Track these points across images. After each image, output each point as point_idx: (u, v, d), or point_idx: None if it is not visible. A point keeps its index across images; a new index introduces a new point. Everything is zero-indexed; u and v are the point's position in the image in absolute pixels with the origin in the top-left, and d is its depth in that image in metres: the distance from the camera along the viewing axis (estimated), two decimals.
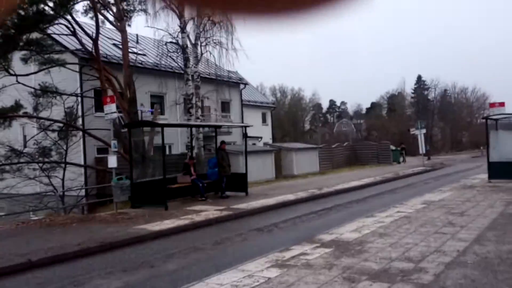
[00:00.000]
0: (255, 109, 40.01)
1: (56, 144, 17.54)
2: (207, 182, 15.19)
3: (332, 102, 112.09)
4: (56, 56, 16.12)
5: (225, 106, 30.57)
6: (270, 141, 41.33)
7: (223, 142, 15.82)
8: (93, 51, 16.46)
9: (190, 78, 17.58)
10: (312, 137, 75.11)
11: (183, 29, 17.47)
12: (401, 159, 36.17)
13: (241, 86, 32.09)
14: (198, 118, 19.04)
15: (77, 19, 17.33)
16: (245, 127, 17.23)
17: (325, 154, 29.62)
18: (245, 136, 16.42)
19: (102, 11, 17.41)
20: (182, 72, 17.59)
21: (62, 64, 15.88)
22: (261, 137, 38.67)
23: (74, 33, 16.67)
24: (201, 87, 20.70)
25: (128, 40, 17.33)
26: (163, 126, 13.08)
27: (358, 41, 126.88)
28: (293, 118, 78.59)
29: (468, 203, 12.40)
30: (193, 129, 17.57)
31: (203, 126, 19.32)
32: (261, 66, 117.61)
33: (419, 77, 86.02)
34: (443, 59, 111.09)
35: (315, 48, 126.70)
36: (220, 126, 19.16)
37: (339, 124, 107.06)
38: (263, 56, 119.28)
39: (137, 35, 26.36)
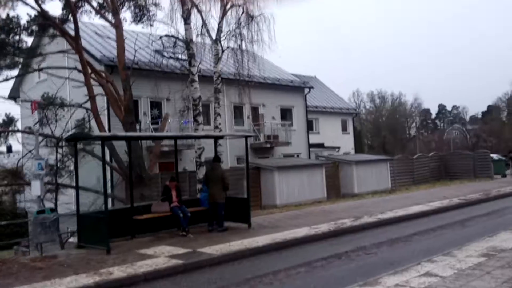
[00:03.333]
0: (332, 116, 35.47)
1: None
2: (197, 210, 11.66)
3: (441, 107, 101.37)
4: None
5: (286, 114, 26.72)
6: (352, 151, 36.40)
7: (215, 157, 12.13)
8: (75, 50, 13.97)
9: (196, 79, 14.23)
10: (416, 145, 66.99)
11: (186, 19, 14.23)
12: (510, 170, 28.87)
13: (306, 90, 27.94)
14: (216, 127, 15.63)
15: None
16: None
17: (403, 167, 24.17)
18: (246, 147, 12.45)
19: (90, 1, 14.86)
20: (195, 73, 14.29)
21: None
22: (338, 147, 33.99)
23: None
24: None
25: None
26: (103, 138, 9.88)
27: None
28: (393, 126, 71.20)
29: None
30: (199, 141, 14.19)
31: (156, 138, 15.74)
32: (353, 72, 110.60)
33: None
34: None
35: (413, 48, 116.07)
36: (181, 137, 15.41)
37: (450, 130, 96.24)
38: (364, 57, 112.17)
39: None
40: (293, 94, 26.93)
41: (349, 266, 8.11)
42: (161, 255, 8.80)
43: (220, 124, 15.77)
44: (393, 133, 70.50)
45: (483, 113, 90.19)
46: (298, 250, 9.68)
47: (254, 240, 10.03)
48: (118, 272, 7.68)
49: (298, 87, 27.33)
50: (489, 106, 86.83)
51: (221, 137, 14.51)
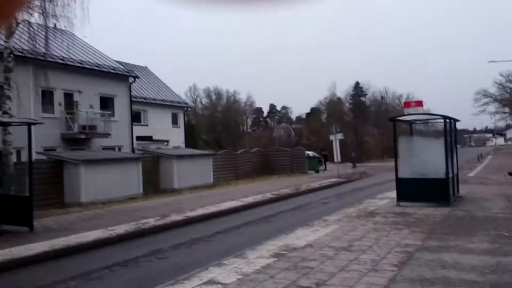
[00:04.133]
0: (163, 109, 34.16)
1: None
2: None
3: (272, 106, 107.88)
4: None
5: (108, 103, 24.47)
6: (182, 145, 35.60)
7: None
8: None
9: None
10: (248, 141, 69.78)
11: None
12: (322, 167, 31.49)
13: (130, 79, 26.08)
14: (6, 113, 13.03)
15: None
16: (30, 124, 10.92)
17: (227, 162, 24.23)
18: (29, 136, 10.50)
19: None
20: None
21: None
22: (167, 141, 32.81)
23: None
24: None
25: None
26: None
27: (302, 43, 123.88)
28: (227, 122, 73.05)
29: (345, 253, 7.28)
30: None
31: None
32: (190, 65, 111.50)
33: (357, 83, 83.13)
34: (377, 65, 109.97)
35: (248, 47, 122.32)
36: None
37: (278, 128, 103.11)
38: (195, 53, 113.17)
39: None
40: (116, 82, 24.80)
41: (133, 275, 7.02)
42: None
43: (10, 109, 13.19)
44: (228, 129, 72.37)
45: (307, 114, 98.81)
46: (81, 257, 8.24)
47: (27, 248, 8.25)
48: None
49: (122, 75, 25.28)
50: (312, 108, 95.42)
51: None
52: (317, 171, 28.85)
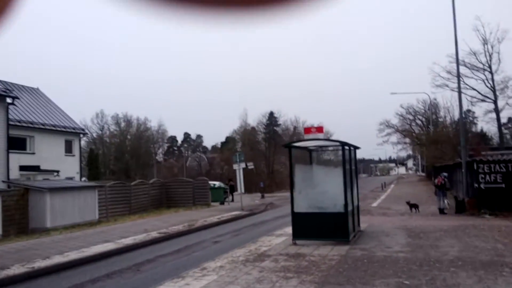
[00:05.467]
0: (54, 135, 30.44)
1: None
2: None
3: (186, 135, 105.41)
4: None
5: None
6: (77, 176, 31.95)
7: None
8: None
9: None
10: (155, 171, 66.30)
11: None
12: (229, 198, 29.65)
13: (8, 100, 22.58)
14: None
15: None
16: None
17: (119, 195, 21.47)
18: None
19: None
20: None
21: None
22: (58, 171, 29.01)
23: None
24: None
25: None
26: None
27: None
28: (137, 150, 69.08)
29: None
30: None
31: None
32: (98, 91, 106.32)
33: (271, 113, 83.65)
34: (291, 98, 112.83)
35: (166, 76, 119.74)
36: None
37: (192, 157, 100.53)
38: (104, 80, 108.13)
39: None
40: None
41: None
42: None
43: None
44: (138, 158, 68.49)
45: (222, 143, 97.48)
46: None
47: None
48: None
49: None
50: (226, 137, 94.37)
51: None
52: (222, 203, 26.96)
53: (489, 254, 8.69)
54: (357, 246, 10.26)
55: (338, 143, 11.81)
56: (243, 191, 22.52)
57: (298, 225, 10.93)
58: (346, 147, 11.37)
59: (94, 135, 72.16)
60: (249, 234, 14.33)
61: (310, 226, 10.76)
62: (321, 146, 12.51)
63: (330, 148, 13.51)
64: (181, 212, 21.38)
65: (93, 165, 52.94)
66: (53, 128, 30.40)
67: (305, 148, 13.01)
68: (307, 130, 14.54)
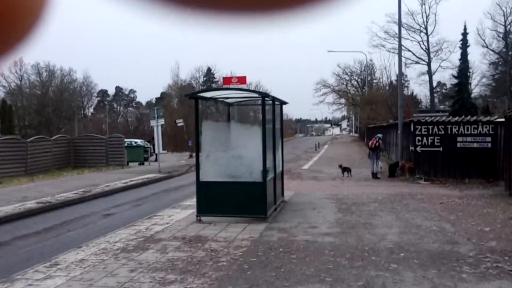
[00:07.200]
0: None
1: None
2: None
3: (118, 89, 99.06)
4: None
5: None
6: None
7: None
8: None
9: None
10: (75, 126, 60.96)
11: None
12: (154, 157, 26.72)
13: None
14: None
15: None
16: None
17: (12, 153, 17.96)
18: None
19: None
20: None
21: None
22: None
23: None
24: None
25: None
26: None
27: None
28: (60, 104, 63.17)
29: None
30: None
31: None
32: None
33: (209, 69, 79.72)
34: None
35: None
36: None
37: (124, 113, 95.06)
38: None
39: None
40: None
41: None
42: None
43: None
44: (60, 113, 62.76)
45: (157, 99, 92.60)
46: None
47: None
48: None
49: None
50: (162, 93, 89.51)
51: None
52: (142, 163, 24.08)
53: (437, 239, 6.80)
54: (275, 225, 8.08)
55: (257, 95, 9.38)
56: (160, 150, 19.75)
57: (204, 197, 8.53)
58: (268, 100, 8.96)
59: (13, 85, 65.10)
60: (154, 204, 11.81)
61: (220, 199, 8.40)
62: (238, 99, 9.96)
63: (251, 103, 11.04)
64: (85, 174, 18.32)
65: (5, 118, 47.32)
66: None
67: (224, 102, 10.49)
68: (227, 80, 12.02)
